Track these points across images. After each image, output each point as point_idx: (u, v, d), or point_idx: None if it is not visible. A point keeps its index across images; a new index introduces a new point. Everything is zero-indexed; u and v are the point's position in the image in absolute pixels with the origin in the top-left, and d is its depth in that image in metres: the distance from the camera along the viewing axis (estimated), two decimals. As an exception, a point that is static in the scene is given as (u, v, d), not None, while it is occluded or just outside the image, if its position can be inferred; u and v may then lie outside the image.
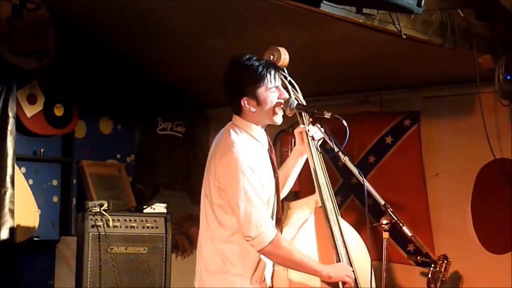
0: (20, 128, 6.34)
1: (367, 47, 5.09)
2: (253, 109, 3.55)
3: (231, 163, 3.46)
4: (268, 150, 3.66)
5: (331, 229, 3.74)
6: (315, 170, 3.79)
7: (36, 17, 6.28)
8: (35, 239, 6.43)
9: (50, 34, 6.36)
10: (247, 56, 3.60)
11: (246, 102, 3.53)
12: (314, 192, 3.89)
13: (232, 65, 3.62)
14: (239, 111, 3.60)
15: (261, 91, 3.54)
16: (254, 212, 3.42)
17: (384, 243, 3.91)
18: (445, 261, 5.20)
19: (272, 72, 3.59)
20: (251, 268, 3.57)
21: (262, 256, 3.57)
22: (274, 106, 3.59)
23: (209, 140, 6.64)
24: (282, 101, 3.62)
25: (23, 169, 6.45)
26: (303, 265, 3.58)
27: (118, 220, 5.72)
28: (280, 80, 3.67)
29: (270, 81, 3.56)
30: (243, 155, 3.47)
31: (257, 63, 3.56)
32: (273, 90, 3.58)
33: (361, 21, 4.34)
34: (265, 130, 3.71)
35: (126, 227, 5.74)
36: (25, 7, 6.21)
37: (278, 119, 3.63)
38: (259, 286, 3.60)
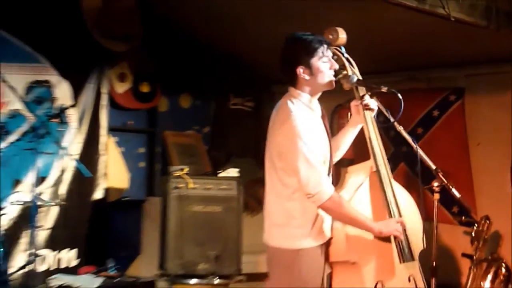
0: (112, 103, 6.55)
1: (415, 29, 5.11)
2: (307, 77, 3.58)
3: (290, 130, 3.49)
4: (321, 117, 3.70)
5: (384, 191, 3.78)
6: (370, 139, 3.82)
7: (124, 5, 6.42)
8: (125, 199, 6.67)
9: (136, 20, 6.52)
10: (301, 33, 3.64)
11: (301, 71, 3.56)
12: (367, 159, 3.91)
13: (288, 40, 3.66)
14: (294, 81, 3.64)
15: (314, 60, 3.57)
16: (312, 172, 3.48)
17: (435, 203, 3.88)
18: (487, 222, 5.28)
19: (324, 45, 3.62)
20: (310, 222, 3.60)
21: (321, 212, 3.60)
22: (326, 74, 3.59)
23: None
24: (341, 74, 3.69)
25: (116, 139, 6.67)
26: (357, 221, 3.63)
27: (196, 182, 5.89)
28: (331, 53, 3.66)
29: (322, 52, 3.59)
30: (300, 123, 3.50)
31: (310, 37, 3.60)
32: (325, 60, 3.60)
33: (414, 5, 4.39)
34: (323, 104, 3.73)
35: (203, 189, 5.91)
36: None
37: (330, 85, 3.63)
38: (317, 237, 3.63)
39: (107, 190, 6.51)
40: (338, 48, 3.86)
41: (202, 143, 7.21)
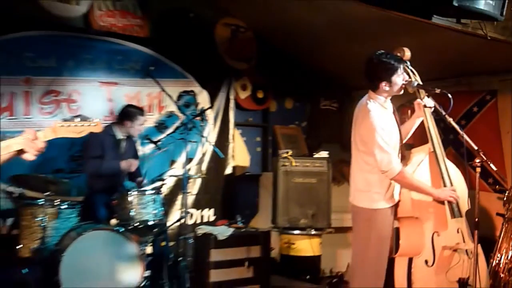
0: (237, 105, 6.63)
1: (461, 46, 4.95)
2: (387, 88, 3.64)
3: (369, 125, 3.58)
4: (393, 113, 3.74)
5: (439, 166, 3.81)
6: (429, 128, 3.85)
7: (245, 36, 6.50)
8: (247, 173, 6.74)
9: (253, 47, 6.58)
10: (383, 52, 3.67)
11: (383, 84, 3.62)
12: (424, 143, 3.96)
13: (374, 59, 3.66)
14: (375, 88, 3.68)
15: (394, 77, 3.62)
16: (384, 155, 3.53)
17: (477, 175, 3.75)
18: None
19: (401, 64, 3.66)
20: (385, 189, 3.65)
21: (393, 182, 3.66)
22: (400, 86, 3.66)
23: (353, 112, 6.56)
24: (406, 82, 3.68)
25: (240, 131, 6.73)
26: (420, 188, 3.67)
27: (298, 162, 5.89)
28: (403, 68, 3.70)
29: (399, 70, 3.64)
30: (376, 119, 3.57)
31: (391, 59, 3.63)
32: (400, 75, 3.65)
33: (459, 28, 4.31)
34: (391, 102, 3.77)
35: (303, 166, 5.90)
36: (239, 30, 6.46)
37: (400, 90, 3.68)
38: (389, 201, 3.67)
39: (234, 167, 6.61)
40: (405, 63, 3.83)
41: (301, 133, 7.18)
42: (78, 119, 2.60)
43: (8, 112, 5.17)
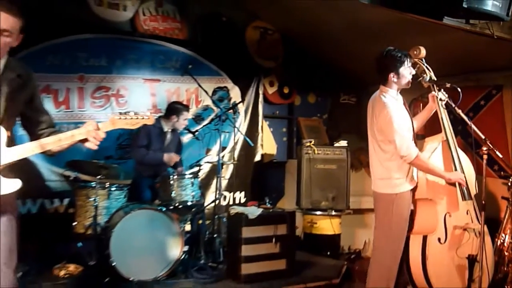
0: (265, 99, 6.61)
1: (470, 45, 4.86)
2: (395, 80, 3.57)
3: (387, 115, 3.51)
4: (403, 104, 3.67)
5: (451, 153, 3.76)
6: (442, 118, 3.79)
7: (273, 37, 6.48)
8: (274, 160, 6.73)
9: (280, 47, 6.55)
10: (392, 48, 3.61)
11: (392, 75, 3.56)
12: (435, 133, 3.92)
13: (384, 53, 3.61)
14: (385, 82, 3.62)
15: (401, 69, 3.56)
16: (404, 141, 3.47)
17: (484, 162, 3.71)
18: None
19: (408, 58, 3.59)
20: (405, 173, 3.57)
21: (411, 166, 3.59)
22: (407, 78, 3.58)
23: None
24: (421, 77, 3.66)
25: (268, 122, 6.70)
26: (434, 171, 3.62)
27: (320, 150, 5.84)
28: (411, 62, 3.62)
29: (406, 63, 3.57)
30: (392, 110, 3.51)
31: (399, 53, 3.58)
32: (407, 68, 3.58)
33: (468, 28, 4.23)
34: (405, 97, 3.71)
35: (324, 154, 5.85)
36: (267, 32, 6.45)
37: (408, 84, 3.61)
38: (410, 183, 3.58)
39: (263, 155, 6.58)
40: (421, 60, 3.80)
41: (322, 124, 7.14)
42: (132, 113, 2.62)
43: (64, 106, 5.24)
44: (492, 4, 3.80)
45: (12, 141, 2.49)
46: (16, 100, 2.51)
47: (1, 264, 2.45)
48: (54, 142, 2.51)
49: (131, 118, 2.62)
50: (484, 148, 3.77)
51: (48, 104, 5.10)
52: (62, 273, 4.35)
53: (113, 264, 4.12)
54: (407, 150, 3.48)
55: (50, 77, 5.14)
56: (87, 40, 5.30)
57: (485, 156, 3.79)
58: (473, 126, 3.75)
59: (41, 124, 2.65)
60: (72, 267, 4.42)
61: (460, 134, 5.53)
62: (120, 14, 5.46)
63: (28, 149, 2.49)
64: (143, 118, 2.65)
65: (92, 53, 5.34)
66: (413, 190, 3.65)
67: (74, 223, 4.66)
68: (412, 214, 3.66)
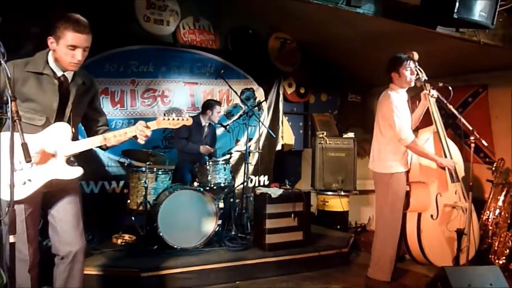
0: (285, 99, 6.54)
1: (458, 50, 4.76)
2: (397, 78, 3.58)
3: (389, 104, 3.51)
4: (406, 101, 3.66)
5: (441, 142, 3.74)
6: (433, 113, 3.76)
7: (291, 46, 6.42)
8: (292, 149, 6.67)
9: (297, 54, 6.48)
10: (399, 54, 3.64)
11: (394, 74, 3.58)
12: (428, 126, 3.90)
13: (391, 57, 3.66)
14: (391, 80, 3.63)
15: (401, 69, 3.57)
16: (402, 124, 3.46)
17: (472, 150, 3.69)
18: (502, 161, 4.95)
19: (409, 60, 3.59)
20: (400, 156, 3.56)
21: (407, 151, 3.57)
22: (408, 77, 3.58)
23: (372, 103, 6.49)
24: (416, 77, 3.63)
25: (287, 118, 6.62)
26: (428, 156, 3.58)
27: (331, 140, 5.82)
28: (412, 65, 3.63)
29: (407, 64, 3.58)
30: (394, 100, 3.51)
31: (402, 56, 3.60)
32: (408, 69, 3.58)
33: (458, 35, 4.18)
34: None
35: (334, 144, 5.82)
36: (286, 42, 6.38)
37: (410, 83, 3.60)
38: (404, 166, 3.57)
39: (283, 145, 6.53)
40: (414, 62, 3.75)
41: (333, 119, 7.06)
42: (173, 114, 2.65)
43: (119, 105, 5.31)
44: (479, 14, 3.75)
45: (76, 137, 2.57)
46: (81, 103, 2.59)
47: (71, 226, 2.51)
48: (112, 138, 2.58)
49: (173, 119, 2.64)
50: (472, 138, 3.74)
51: (106, 104, 5.18)
52: (119, 241, 4.43)
53: (160, 234, 4.18)
54: (404, 133, 3.46)
55: (108, 81, 5.21)
56: (137, 50, 5.35)
57: (472, 145, 3.75)
58: (462, 120, 3.71)
59: (98, 122, 2.72)
60: (127, 237, 4.49)
61: (450, 127, 5.48)
62: (164, 28, 5.48)
63: (96, 142, 2.58)
64: (183, 120, 2.67)
65: (141, 61, 5.38)
66: (408, 173, 3.61)
67: (128, 201, 4.74)
68: (408, 194, 3.64)
